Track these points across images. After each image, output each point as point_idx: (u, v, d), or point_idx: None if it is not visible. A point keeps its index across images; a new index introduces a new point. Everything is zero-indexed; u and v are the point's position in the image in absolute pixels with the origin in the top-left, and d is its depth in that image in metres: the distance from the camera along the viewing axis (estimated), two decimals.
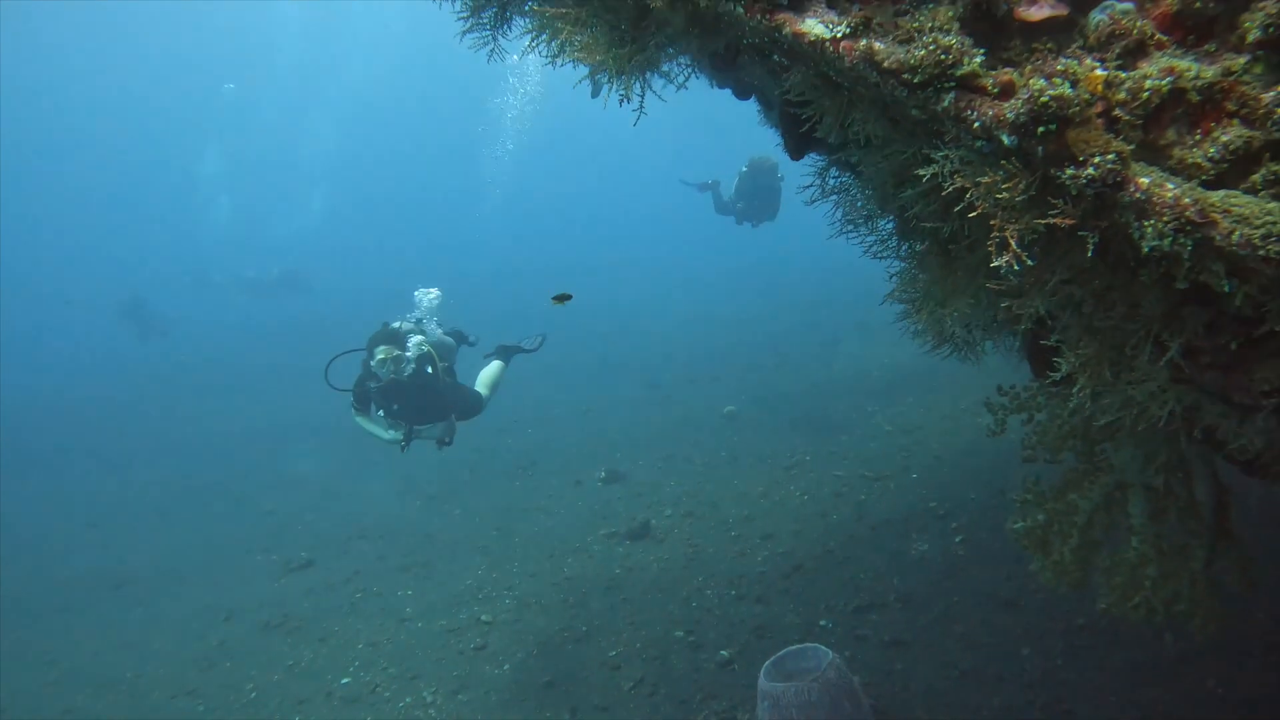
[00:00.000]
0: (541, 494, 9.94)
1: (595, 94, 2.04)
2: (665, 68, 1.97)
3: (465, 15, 2.25)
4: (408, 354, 6.44)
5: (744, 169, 11.19)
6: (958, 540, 6.36)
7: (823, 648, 4.75)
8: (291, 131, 38.95)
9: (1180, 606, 2.18)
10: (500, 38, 2.29)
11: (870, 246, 2.07)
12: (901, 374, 11.03)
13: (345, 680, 6.52)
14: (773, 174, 10.88)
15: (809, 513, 7.65)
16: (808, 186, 2.08)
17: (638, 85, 1.93)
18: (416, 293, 7.43)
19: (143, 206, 38.96)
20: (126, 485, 13.87)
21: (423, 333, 6.83)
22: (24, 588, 10.17)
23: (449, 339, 7.35)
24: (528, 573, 7.75)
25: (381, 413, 6.58)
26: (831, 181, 2.34)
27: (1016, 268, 1.49)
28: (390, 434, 6.61)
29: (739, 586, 6.59)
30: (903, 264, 2.06)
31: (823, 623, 5.83)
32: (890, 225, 2.02)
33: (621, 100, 1.89)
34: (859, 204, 2.05)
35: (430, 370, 6.54)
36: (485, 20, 2.24)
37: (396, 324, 6.94)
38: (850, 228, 2.08)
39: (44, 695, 7.26)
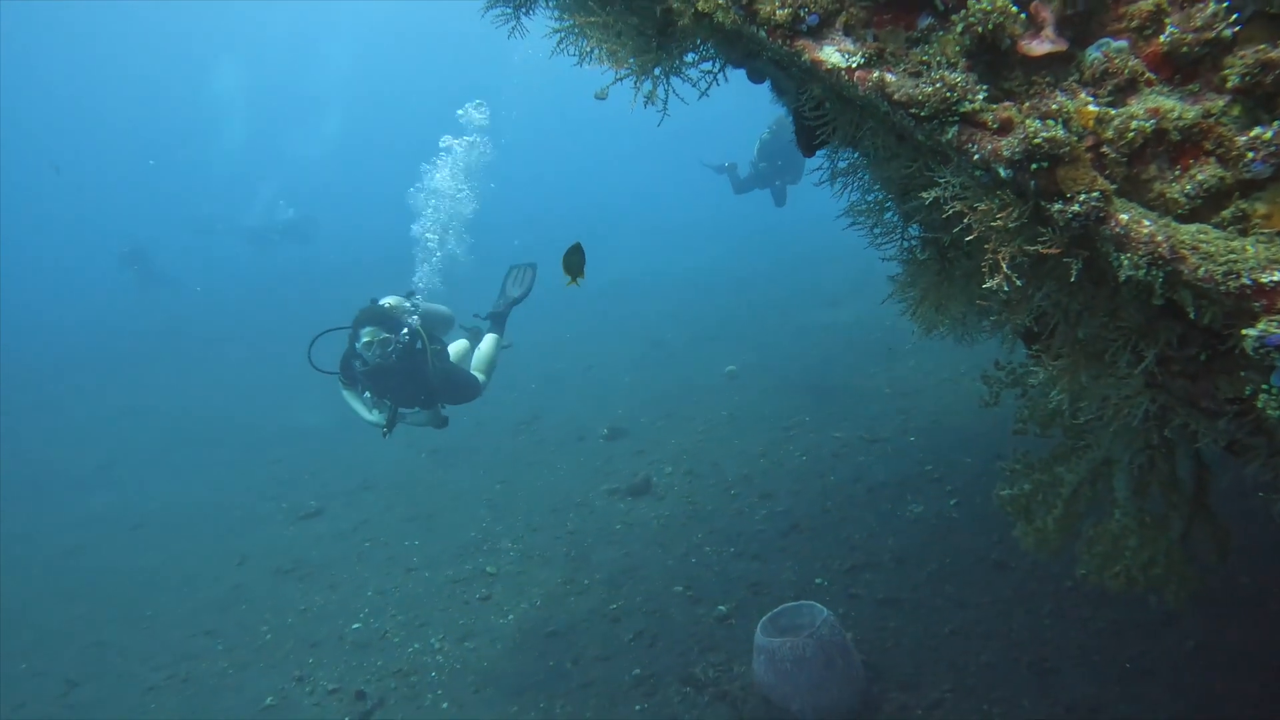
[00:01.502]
0: (545, 449, 10.12)
1: (601, 97, 2.09)
2: (689, 72, 2.03)
3: (490, 3, 2.29)
4: (399, 336, 5.99)
5: (764, 134, 11.26)
6: (952, 503, 6.52)
7: (818, 605, 4.94)
8: (306, 54, 38.09)
9: (1156, 573, 2.32)
10: (523, 16, 2.33)
11: (876, 238, 2.14)
12: (902, 336, 11.10)
13: (356, 625, 6.78)
14: None
15: (807, 473, 7.81)
16: (817, 169, 2.14)
17: (661, 89, 1.98)
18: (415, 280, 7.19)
19: (150, 138, 38.20)
20: (138, 429, 14.11)
21: (414, 308, 6.38)
22: (44, 525, 10.49)
23: (443, 309, 6.87)
24: (531, 526, 7.96)
25: (368, 394, 6.21)
26: (841, 164, 2.39)
27: (1006, 288, 1.64)
28: (374, 416, 6.23)
29: (737, 544, 6.78)
30: (901, 266, 2.14)
31: (818, 580, 6.03)
32: (896, 218, 2.10)
33: (646, 102, 1.96)
34: (869, 194, 2.11)
35: (420, 347, 6.12)
36: (509, 7, 2.27)
37: (385, 301, 6.39)
38: (860, 218, 2.14)
39: (74, 629, 7.57)
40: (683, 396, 11.02)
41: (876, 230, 2.14)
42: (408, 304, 6.38)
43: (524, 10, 2.32)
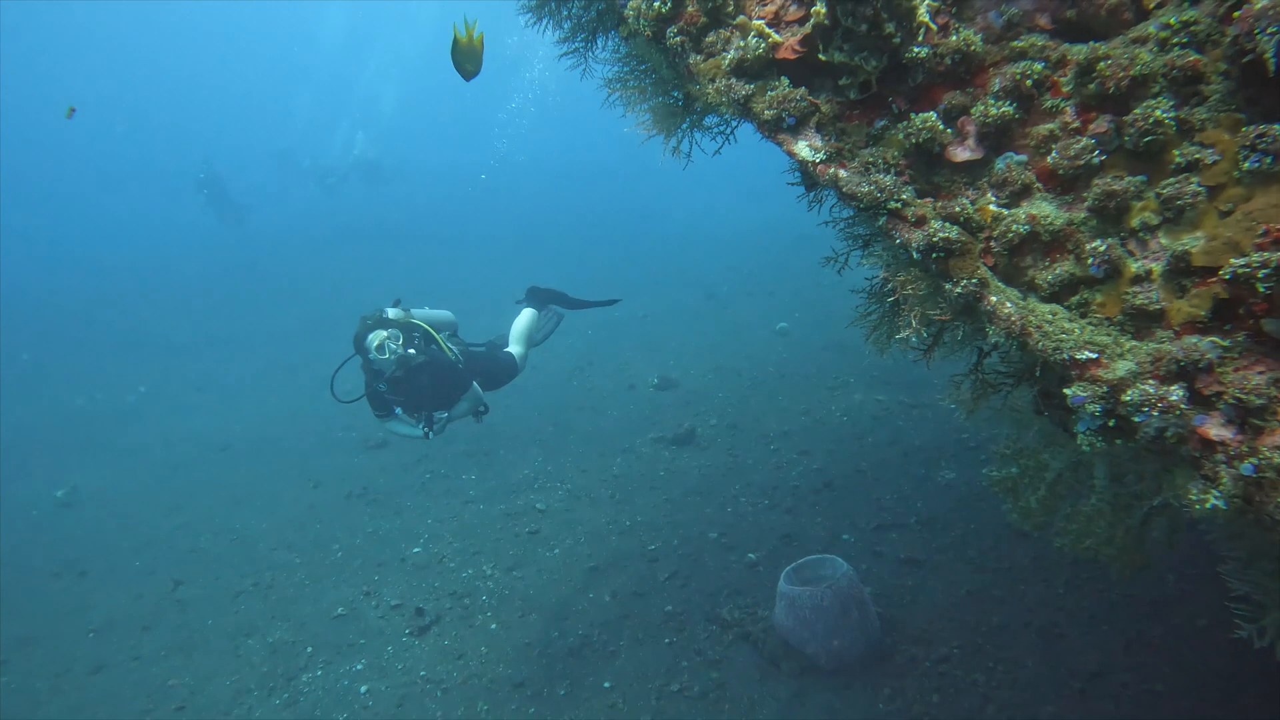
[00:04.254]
0: (597, 395, 10.59)
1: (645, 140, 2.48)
2: (708, 124, 2.42)
3: (565, 39, 2.71)
4: (410, 335, 5.74)
5: None
6: (983, 472, 6.69)
7: (839, 559, 5.27)
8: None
9: (1113, 550, 2.60)
10: (589, 59, 2.76)
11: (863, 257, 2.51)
12: None
13: (416, 550, 7.46)
14: None
15: (846, 433, 8.05)
16: (794, 184, 2.44)
17: (686, 143, 2.53)
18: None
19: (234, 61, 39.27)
20: (226, 357, 15.22)
21: (408, 316, 6.03)
22: (148, 441, 11.62)
23: (443, 312, 6.54)
24: (580, 468, 8.47)
25: (400, 409, 5.91)
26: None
27: (914, 340, 2.17)
28: (415, 429, 5.91)
29: (772, 496, 7.13)
30: (863, 298, 2.47)
31: (845, 537, 6.35)
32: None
33: (674, 152, 2.39)
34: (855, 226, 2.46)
35: (435, 346, 5.88)
36: (579, 43, 2.70)
37: (377, 314, 5.92)
38: (841, 224, 2.49)
39: (176, 536, 8.55)
40: (733, 350, 11.28)
41: (858, 254, 2.50)
42: (398, 311, 6.05)
43: (589, 51, 2.75)
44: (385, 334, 5.55)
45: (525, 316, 6.90)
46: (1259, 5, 1.69)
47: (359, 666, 5.95)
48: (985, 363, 2.46)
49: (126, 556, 8.27)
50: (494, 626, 6.13)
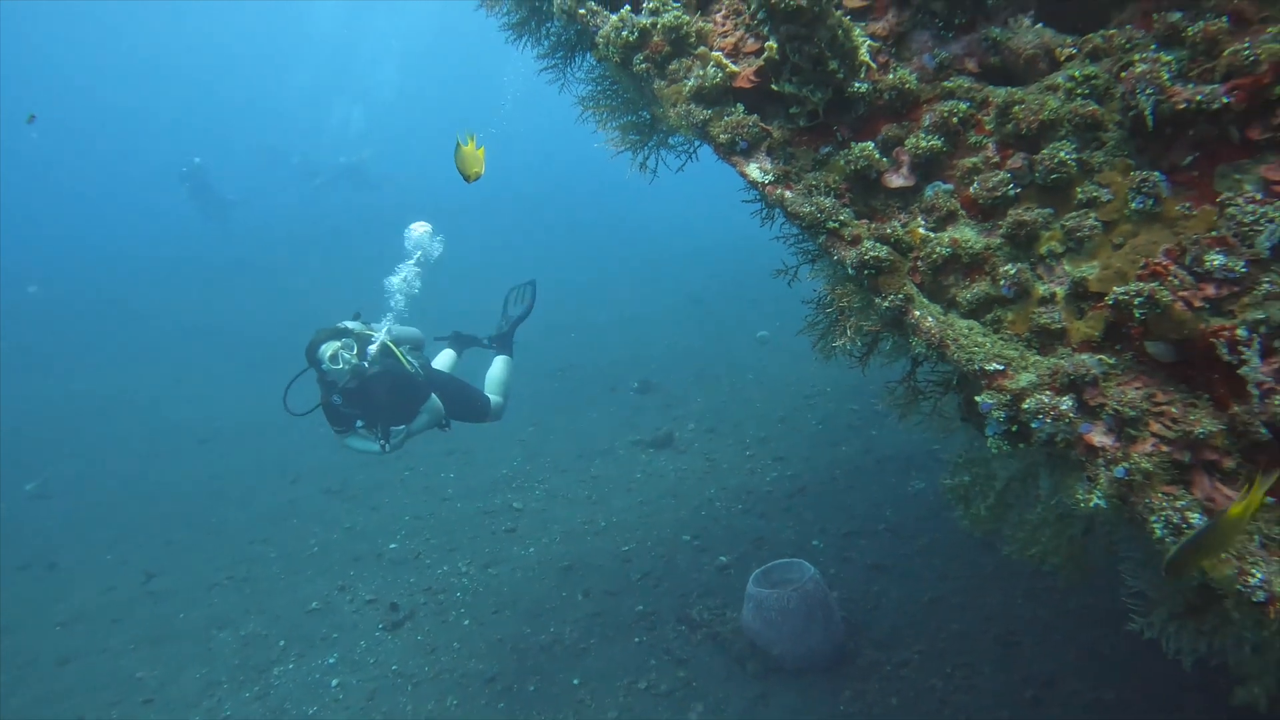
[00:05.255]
0: (579, 396, 10.67)
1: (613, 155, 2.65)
2: (673, 142, 2.59)
3: (545, 54, 2.86)
4: (365, 345, 5.52)
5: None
6: (939, 480, 6.86)
7: (807, 563, 5.39)
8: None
9: (1057, 558, 2.73)
10: (568, 75, 2.93)
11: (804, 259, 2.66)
12: None
13: (393, 545, 7.51)
14: None
15: (821, 440, 8.19)
16: (749, 201, 2.59)
17: (653, 160, 2.72)
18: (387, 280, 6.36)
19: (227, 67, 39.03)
20: (207, 349, 15.15)
21: (368, 329, 5.80)
22: (125, 434, 11.56)
23: (409, 329, 6.24)
24: (559, 468, 8.55)
25: (361, 424, 5.63)
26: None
27: (849, 348, 2.31)
28: (373, 444, 5.63)
29: (746, 501, 7.24)
30: (812, 308, 2.63)
31: (815, 542, 6.47)
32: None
33: (641, 167, 2.53)
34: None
35: (393, 360, 5.60)
36: (557, 60, 2.85)
37: (337, 326, 5.72)
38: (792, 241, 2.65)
39: (151, 528, 8.54)
40: (715, 356, 11.40)
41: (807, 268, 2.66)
42: (358, 324, 5.87)
43: (567, 68, 2.93)
44: (338, 344, 5.35)
45: (499, 365, 6.76)
46: (1139, 69, 1.87)
47: (331, 660, 6.00)
48: (918, 372, 2.59)
49: (99, 549, 8.25)
50: (467, 622, 6.20)
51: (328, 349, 5.33)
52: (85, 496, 9.61)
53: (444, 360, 6.70)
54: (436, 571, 6.96)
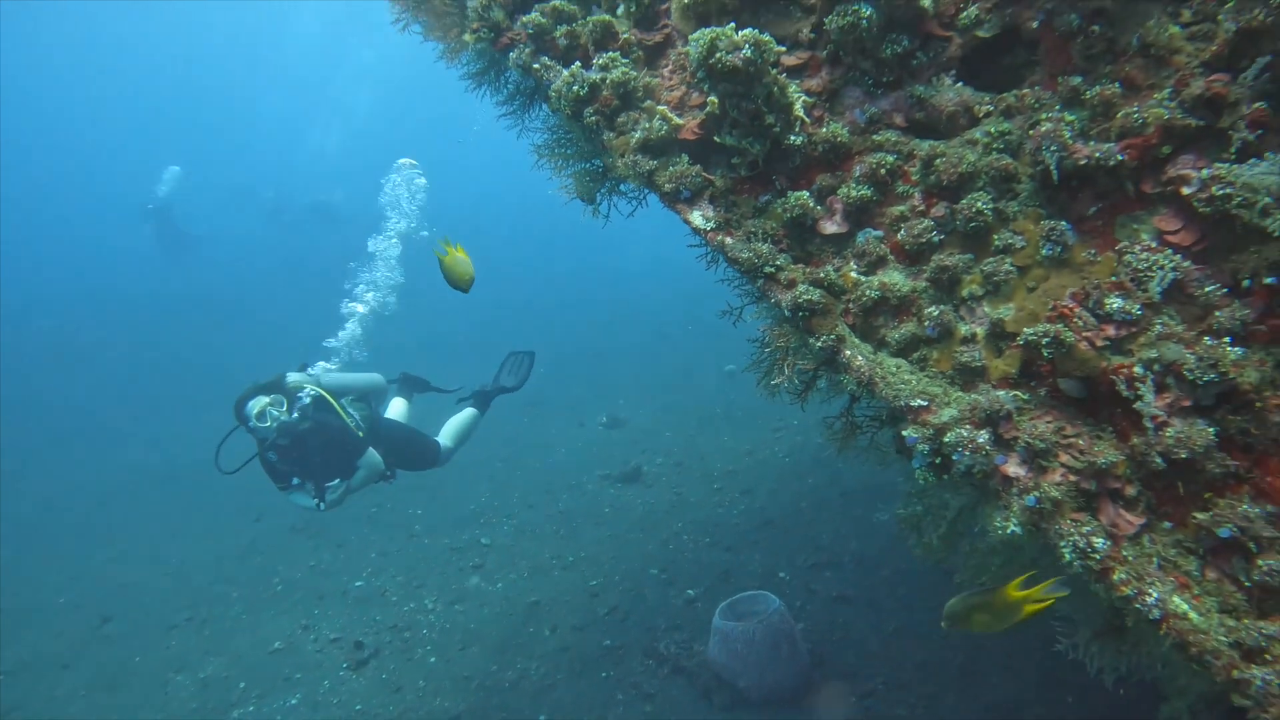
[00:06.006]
0: (547, 431, 10.70)
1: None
2: (625, 189, 2.77)
3: (503, 102, 2.99)
4: (295, 399, 5.33)
5: None
6: (894, 510, 7.00)
7: (772, 595, 5.45)
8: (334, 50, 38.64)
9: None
10: (525, 124, 3.08)
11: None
12: None
13: (359, 583, 7.43)
14: None
15: (788, 473, 8.30)
16: (694, 245, 2.73)
17: (605, 205, 2.90)
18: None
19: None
20: (171, 386, 14.93)
21: (311, 381, 5.64)
22: (84, 473, 11.32)
23: (359, 376, 6.16)
24: (527, 503, 8.54)
25: (296, 480, 5.40)
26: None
27: (787, 386, 2.28)
28: (309, 500, 5.38)
29: (713, 534, 7.30)
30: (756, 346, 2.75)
31: (781, 574, 6.54)
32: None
33: (594, 212, 2.67)
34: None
35: (329, 414, 5.43)
36: (516, 107, 3.00)
37: (274, 378, 5.55)
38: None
39: (106, 571, 8.35)
40: (682, 390, 11.52)
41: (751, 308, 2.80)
42: (301, 375, 5.73)
43: (525, 114, 3.09)
44: (267, 400, 5.19)
45: (468, 416, 6.71)
46: (1045, 128, 2.05)
47: (293, 701, 5.89)
48: (855, 407, 2.71)
49: (49, 593, 8.03)
50: (433, 660, 6.14)
51: (255, 405, 5.17)
52: (35, 539, 9.37)
53: (396, 409, 6.60)
54: (403, 608, 6.89)
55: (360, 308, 6.48)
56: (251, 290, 21.31)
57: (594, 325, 15.59)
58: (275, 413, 5.17)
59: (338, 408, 5.55)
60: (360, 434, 5.57)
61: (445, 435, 6.49)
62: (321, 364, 6.01)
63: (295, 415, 5.23)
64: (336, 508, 5.42)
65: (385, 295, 6.66)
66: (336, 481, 5.36)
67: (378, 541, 8.19)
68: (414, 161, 6.12)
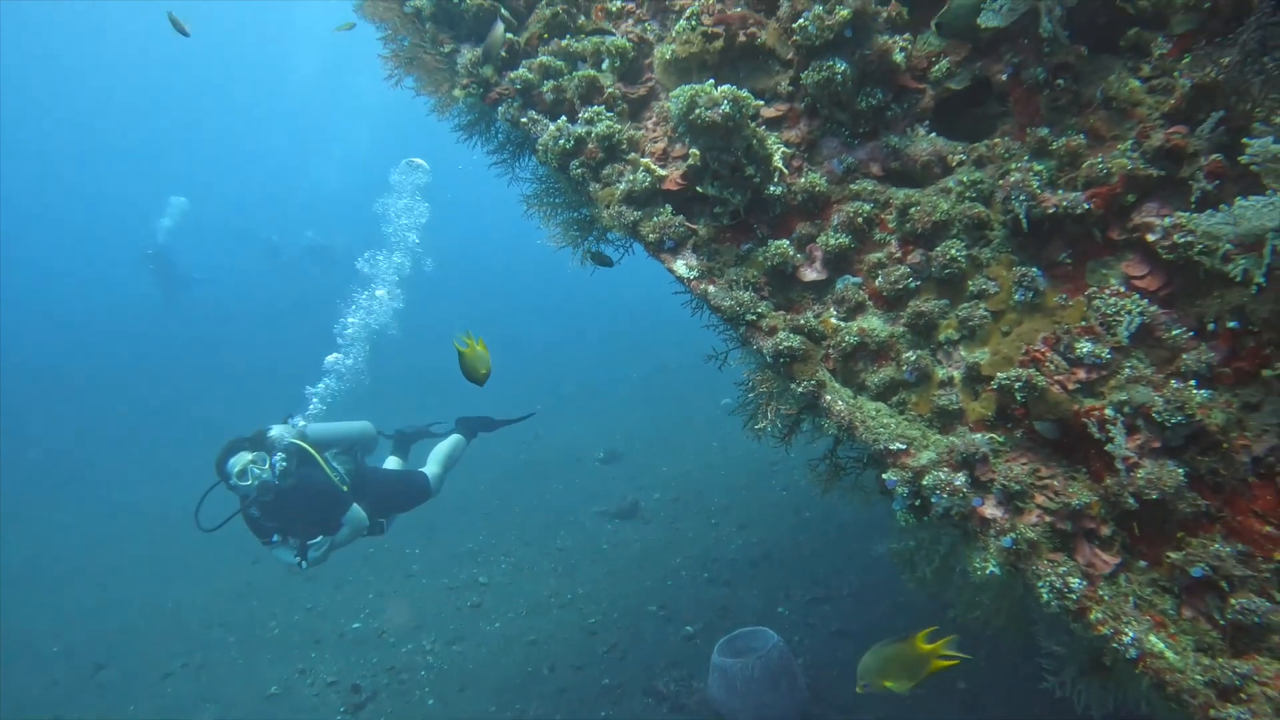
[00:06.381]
0: (544, 468, 10.70)
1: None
2: (612, 237, 2.86)
3: (494, 151, 3.09)
4: (274, 455, 5.22)
5: None
6: (887, 545, 6.99)
7: (771, 631, 5.43)
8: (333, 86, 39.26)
9: (1000, 621, 2.86)
10: (515, 173, 3.18)
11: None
12: None
13: (356, 625, 7.38)
14: None
15: (785, 507, 8.29)
16: (679, 292, 2.80)
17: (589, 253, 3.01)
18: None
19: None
20: (169, 428, 14.94)
21: (295, 429, 5.54)
22: (81, 514, 11.27)
23: (350, 424, 6.04)
24: (524, 541, 8.52)
25: (277, 537, 5.25)
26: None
27: (770, 429, 2.47)
28: (291, 556, 5.25)
29: (711, 569, 7.28)
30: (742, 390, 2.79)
31: (780, 610, 6.51)
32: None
33: (582, 263, 2.75)
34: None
35: (313, 469, 5.33)
36: (506, 155, 3.10)
37: (256, 433, 5.42)
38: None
39: (104, 613, 8.28)
40: (679, 425, 11.54)
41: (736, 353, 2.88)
42: (284, 427, 5.57)
43: (515, 163, 3.19)
44: (249, 457, 5.09)
45: (450, 441, 6.63)
46: (1014, 177, 2.13)
47: None
48: (839, 449, 2.76)
49: (43, 639, 7.96)
50: (431, 702, 6.09)
51: (237, 463, 5.08)
52: (29, 583, 9.32)
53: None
54: (400, 650, 6.84)
55: (337, 356, 6.38)
56: (248, 333, 21.40)
57: (591, 359, 15.67)
58: (257, 470, 5.07)
59: (321, 462, 5.44)
60: (345, 488, 5.47)
61: (432, 463, 6.39)
62: (305, 414, 5.92)
63: (277, 473, 5.12)
64: (319, 565, 5.30)
65: (384, 321, 6.59)
66: (320, 539, 5.24)
67: (375, 582, 8.15)
68: (422, 160, 6.10)
